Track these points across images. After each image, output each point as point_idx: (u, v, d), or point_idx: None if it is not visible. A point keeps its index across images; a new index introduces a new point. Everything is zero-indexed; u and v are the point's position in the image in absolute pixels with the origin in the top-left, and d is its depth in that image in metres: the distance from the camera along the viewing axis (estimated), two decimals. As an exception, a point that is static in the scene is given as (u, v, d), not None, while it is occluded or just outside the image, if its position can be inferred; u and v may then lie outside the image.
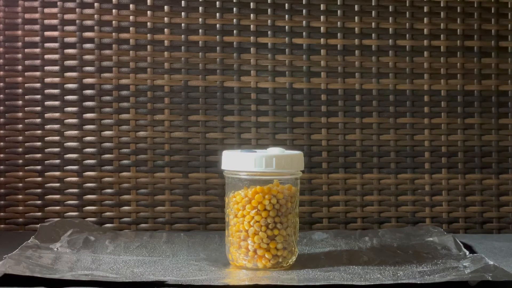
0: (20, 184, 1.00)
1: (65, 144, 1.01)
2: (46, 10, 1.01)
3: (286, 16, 1.03)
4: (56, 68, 1.01)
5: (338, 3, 1.03)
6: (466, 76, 1.04)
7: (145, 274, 0.72)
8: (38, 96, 1.01)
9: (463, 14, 1.04)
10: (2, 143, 1.00)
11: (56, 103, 1.01)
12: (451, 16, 1.04)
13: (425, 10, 1.04)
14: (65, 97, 1.01)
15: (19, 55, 1.00)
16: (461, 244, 0.87)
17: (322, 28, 1.03)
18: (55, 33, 1.01)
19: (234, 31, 1.02)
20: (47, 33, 1.01)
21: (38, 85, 1.00)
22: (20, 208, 1.00)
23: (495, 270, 0.72)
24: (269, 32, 1.03)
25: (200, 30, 1.02)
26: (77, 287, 0.67)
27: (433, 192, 1.04)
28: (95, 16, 1.01)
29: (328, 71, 1.03)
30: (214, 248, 0.87)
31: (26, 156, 1.00)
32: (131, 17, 1.01)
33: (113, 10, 1.01)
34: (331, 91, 1.03)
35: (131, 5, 1.01)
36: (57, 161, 1.01)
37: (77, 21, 1.01)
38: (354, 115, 1.03)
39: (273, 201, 0.76)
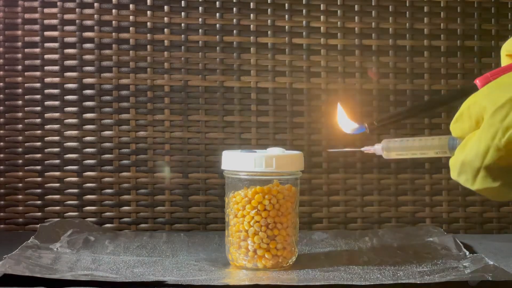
0: (20, 184, 1.00)
1: (65, 144, 1.01)
2: (46, 10, 1.01)
3: (286, 16, 1.03)
4: (56, 68, 1.01)
5: (338, 3, 1.03)
6: (466, 76, 1.04)
7: (145, 274, 0.72)
8: (38, 96, 1.00)
9: (463, 14, 1.04)
10: (2, 143, 1.00)
11: (56, 103, 1.01)
12: (451, 16, 1.04)
13: (425, 10, 1.04)
14: (65, 97, 1.01)
15: (19, 55, 1.00)
16: (461, 244, 0.87)
17: (322, 28, 1.03)
18: (55, 33, 1.01)
19: (234, 31, 1.02)
20: (47, 33, 1.01)
21: (38, 85, 1.00)
22: (20, 208, 1.00)
23: (495, 270, 0.71)
24: (269, 32, 1.03)
25: (200, 30, 1.02)
26: (77, 287, 0.67)
27: (433, 192, 1.04)
28: (95, 16, 1.01)
29: (328, 71, 1.03)
30: (214, 248, 0.87)
31: (26, 156, 1.00)
32: (131, 17, 1.01)
33: (113, 10, 1.01)
34: (331, 91, 1.03)
35: (131, 5, 1.01)
36: (57, 161, 1.01)
37: (77, 21, 1.01)
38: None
39: (273, 201, 0.76)
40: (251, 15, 1.02)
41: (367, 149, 0.67)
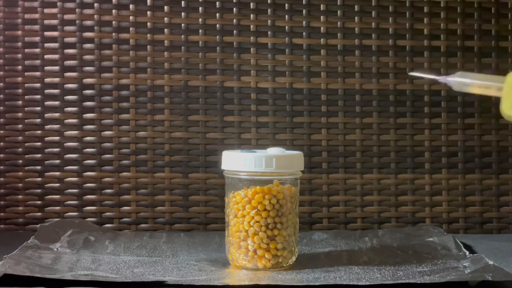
0: (20, 184, 1.00)
1: (65, 144, 1.01)
2: (46, 10, 1.01)
3: (286, 16, 1.03)
4: (56, 68, 1.01)
5: (338, 3, 1.03)
6: (466, 76, 1.04)
7: (145, 274, 0.72)
8: (38, 96, 1.01)
9: (463, 14, 1.04)
10: (2, 143, 1.00)
11: (56, 103, 1.01)
12: (451, 16, 1.04)
13: (425, 10, 1.04)
14: (65, 97, 1.01)
15: (19, 55, 1.00)
16: (461, 244, 0.87)
17: (322, 28, 1.03)
18: (55, 33, 1.01)
19: (234, 31, 1.02)
20: (47, 33, 1.01)
21: (38, 85, 1.00)
22: (20, 208, 1.00)
23: (495, 270, 0.72)
24: (269, 32, 1.03)
25: (200, 30, 1.02)
26: (77, 287, 0.67)
27: (433, 192, 1.04)
28: (95, 16, 1.01)
29: (328, 71, 1.03)
30: (214, 248, 0.87)
31: (26, 156, 1.00)
32: (131, 17, 1.01)
33: (113, 10, 1.01)
34: (331, 91, 1.03)
35: (131, 5, 1.01)
36: (57, 161, 1.01)
37: (77, 21, 1.01)
38: (354, 115, 1.03)
39: (273, 201, 0.76)
40: (251, 15, 1.02)
41: (442, 79, 0.70)
